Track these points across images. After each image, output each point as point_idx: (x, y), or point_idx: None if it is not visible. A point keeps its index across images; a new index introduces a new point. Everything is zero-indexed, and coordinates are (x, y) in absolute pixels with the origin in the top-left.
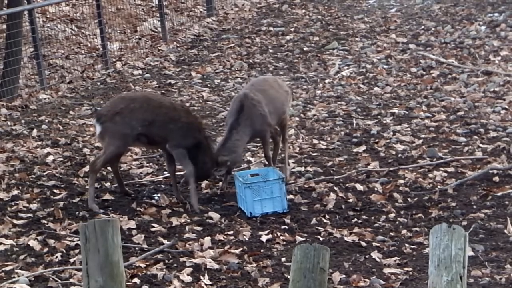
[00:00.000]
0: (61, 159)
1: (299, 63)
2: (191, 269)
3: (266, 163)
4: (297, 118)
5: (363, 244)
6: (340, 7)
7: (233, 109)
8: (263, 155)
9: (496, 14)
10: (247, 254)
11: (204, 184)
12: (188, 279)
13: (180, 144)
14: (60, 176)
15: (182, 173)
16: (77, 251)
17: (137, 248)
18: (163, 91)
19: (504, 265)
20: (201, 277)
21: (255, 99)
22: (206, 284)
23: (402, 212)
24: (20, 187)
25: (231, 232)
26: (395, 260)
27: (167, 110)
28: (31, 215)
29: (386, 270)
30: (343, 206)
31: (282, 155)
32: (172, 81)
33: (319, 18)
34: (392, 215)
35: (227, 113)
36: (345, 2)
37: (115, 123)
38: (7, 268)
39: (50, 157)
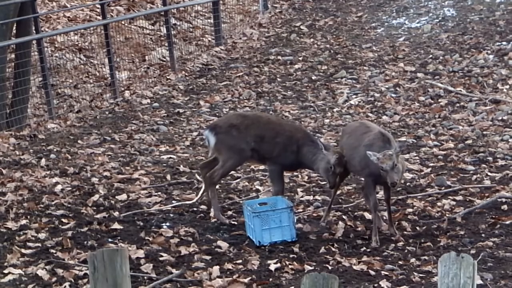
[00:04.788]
0: (70, 188)
1: (308, 92)
2: None
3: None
4: None
5: (372, 272)
6: (348, 36)
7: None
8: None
9: (504, 43)
10: (256, 283)
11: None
12: None
13: (278, 160)
14: (69, 205)
15: (190, 202)
16: (85, 280)
17: (145, 278)
18: (171, 120)
19: None
20: None
21: None
22: None
23: (410, 240)
24: (28, 217)
25: (240, 261)
26: None
27: (274, 125)
28: (39, 244)
29: None
30: (352, 235)
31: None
32: (181, 110)
33: (328, 47)
34: (400, 243)
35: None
36: (353, 31)
37: (232, 136)
38: None
39: (59, 187)
